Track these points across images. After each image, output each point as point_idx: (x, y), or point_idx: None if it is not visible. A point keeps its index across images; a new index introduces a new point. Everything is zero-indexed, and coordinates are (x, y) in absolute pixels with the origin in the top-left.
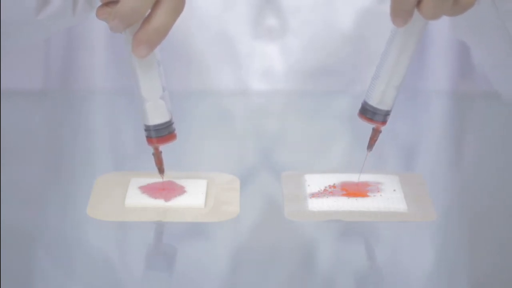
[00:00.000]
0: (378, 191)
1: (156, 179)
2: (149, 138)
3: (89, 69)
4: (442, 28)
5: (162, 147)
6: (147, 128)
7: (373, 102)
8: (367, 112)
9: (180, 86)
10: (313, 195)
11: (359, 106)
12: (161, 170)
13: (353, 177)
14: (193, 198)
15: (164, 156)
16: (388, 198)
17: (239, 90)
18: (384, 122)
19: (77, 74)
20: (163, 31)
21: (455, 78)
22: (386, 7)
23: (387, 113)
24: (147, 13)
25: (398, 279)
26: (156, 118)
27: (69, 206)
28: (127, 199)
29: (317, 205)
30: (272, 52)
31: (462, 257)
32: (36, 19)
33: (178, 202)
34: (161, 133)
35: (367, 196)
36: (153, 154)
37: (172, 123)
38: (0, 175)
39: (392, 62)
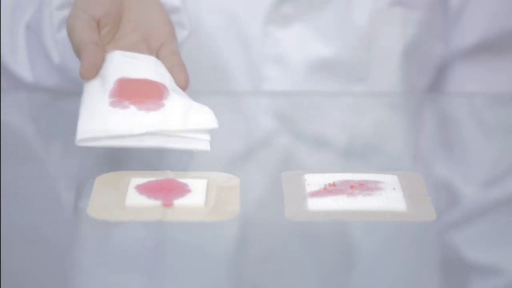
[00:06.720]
0: (378, 190)
1: (156, 178)
2: None
3: None
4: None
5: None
6: None
7: None
8: None
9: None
10: (313, 194)
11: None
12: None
13: (353, 177)
14: (193, 198)
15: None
16: (387, 197)
17: (239, 90)
18: None
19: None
20: None
21: (452, 78)
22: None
23: None
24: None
25: (398, 279)
26: None
27: (69, 206)
28: (127, 199)
29: (317, 205)
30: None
31: (462, 257)
32: None
33: (178, 202)
34: None
35: (367, 195)
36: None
37: None
38: (0, 175)
39: None
